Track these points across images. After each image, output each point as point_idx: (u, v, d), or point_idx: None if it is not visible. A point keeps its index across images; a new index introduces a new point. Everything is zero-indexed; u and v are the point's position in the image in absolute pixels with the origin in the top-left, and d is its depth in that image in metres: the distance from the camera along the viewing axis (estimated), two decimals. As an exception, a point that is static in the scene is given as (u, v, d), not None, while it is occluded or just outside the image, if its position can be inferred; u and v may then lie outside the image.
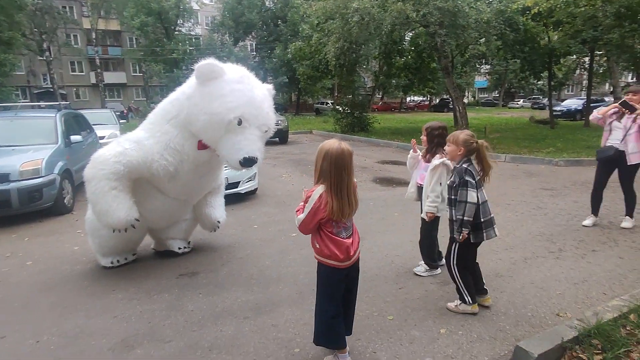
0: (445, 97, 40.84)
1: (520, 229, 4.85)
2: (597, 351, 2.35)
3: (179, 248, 4.21)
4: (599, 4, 10.44)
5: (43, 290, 3.49)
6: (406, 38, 19.24)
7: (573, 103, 24.98)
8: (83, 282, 3.65)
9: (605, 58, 16.30)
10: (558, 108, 23.48)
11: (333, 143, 2.24)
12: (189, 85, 3.44)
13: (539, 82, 34.29)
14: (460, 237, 2.81)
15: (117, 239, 3.69)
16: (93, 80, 35.12)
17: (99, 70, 31.04)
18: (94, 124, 9.03)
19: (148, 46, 31.37)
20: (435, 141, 3.44)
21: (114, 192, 3.35)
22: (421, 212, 3.59)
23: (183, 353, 2.58)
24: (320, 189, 2.21)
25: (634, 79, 19.74)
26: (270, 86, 3.64)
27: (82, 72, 37.17)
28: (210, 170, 3.84)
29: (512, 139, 13.19)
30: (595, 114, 4.84)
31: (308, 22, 18.82)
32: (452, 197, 2.89)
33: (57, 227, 5.30)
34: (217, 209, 4.18)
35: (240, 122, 3.17)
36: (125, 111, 27.00)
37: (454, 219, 2.87)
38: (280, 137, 14.03)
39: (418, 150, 3.69)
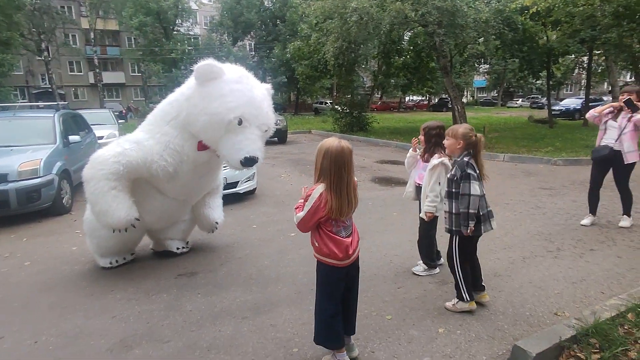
0: (444, 96, 40.89)
1: (519, 228, 4.86)
2: (595, 350, 2.35)
3: (178, 248, 4.21)
4: (597, 4, 10.45)
5: (42, 291, 3.49)
6: (405, 38, 19.24)
7: (572, 102, 25.04)
8: (82, 282, 3.65)
9: (604, 57, 16.32)
10: (557, 107, 23.53)
11: (333, 141, 2.25)
12: (188, 86, 3.44)
13: (537, 82, 34.35)
14: (468, 231, 2.81)
15: (115, 240, 3.69)
16: (91, 80, 35.06)
17: (97, 70, 30.99)
18: (92, 124, 9.02)
19: (147, 46, 31.34)
20: (433, 141, 3.45)
21: (114, 192, 3.35)
22: (420, 212, 3.60)
23: (182, 353, 2.58)
24: (320, 188, 2.21)
25: (633, 78, 19.75)
26: (269, 86, 3.65)
27: (81, 72, 37.11)
28: (209, 171, 3.84)
29: (511, 138, 13.21)
30: (592, 112, 4.86)
31: (307, 21, 18.82)
32: (453, 190, 2.88)
33: (55, 228, 5.30)
34: (215, 210, 4.19)
35: (240, 122, 3.18)
36: (124, 111, 26.98)
37: (454, 211, 2.87)
38: (279, 137, 14.03)
39: (417, 149, 3.69)
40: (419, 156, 3.66)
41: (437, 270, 3.66)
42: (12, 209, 5.23)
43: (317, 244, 2.31)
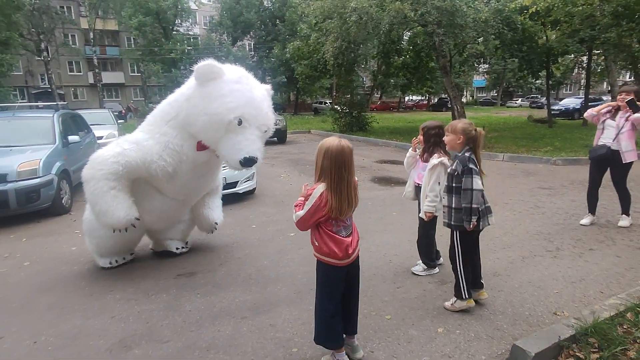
0: (443, 96, 40.92)
1: (518, 227, 4.86)
2: (594, 350, 2.35)
3: (177, 248, 4.21)
4: (597, 3, 10.46)
5: (41, 291, 3.48)
6: (404, 37, 19.23)
7: (571, 102, 25.07)
8: (81, 282, 3.65)
9: (603, 57, 16.34)
10: (556, 107, 23.54)
11: (333, 140, 2.24)
12: (188, 86, 3.45)
13: (537, 81, 34.38)
14: (471, 226, 2.81)
15: (115, 240, 3.69)
16: (91, 80, 35.04)
17: (96, 70, 30.97)
18: (91, 124, 9.02)
19: (146, 46, 31.34)
20: (432, 140, 3.45)
21: (113, 192, 3.35)
22: (419, 212, 3.60)
23: (181, 353, 2.58)
24: (321, 188, 2.20)
25: (632, 77, 19.77)
26: (268, 87, 3.65)
27: (80, 72, 37.10)
28: (208, 171, 3.84)
29: (510, 138, 13.21)
30: (590, 111, 4.88)
31: (306, 21, 18.81)
32: (453, 184, 2.88)
33: (55, 228, 5.29)
34: (215, 211, 4.19)
35: (240, 122, 3.18)
36: (123, 111, 26.97)
37: (454, 206, 2.86)
38: (278, 137, 14.03)
39: (417, 149, 3.69)
40: (418, 156, 3.66)
41: (437, 270, 3.67)
42: (12, 209, 5.23)
43: (317, 243, 2.30)
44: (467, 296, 2.95)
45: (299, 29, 21.34)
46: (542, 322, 2.82)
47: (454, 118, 13.72)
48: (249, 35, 35.01)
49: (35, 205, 5.43)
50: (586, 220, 4.90)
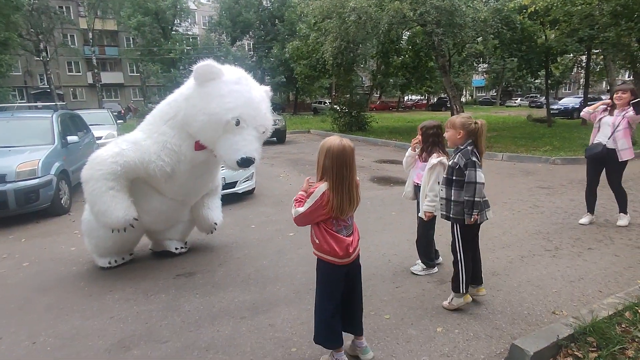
0: (442, 96, 40.92)
1: (517, 227, 4.86)
2: (593, 349, 2.36)
3: (176, 248, 4.21)
4: (596, 3, 10.46)
5: (40, 291, 3.48)
6: (403, 37, 19.22)
7: (570, 101, 25.08)
8: (80, 283, 3.65)
9: (602, 56, 16.33)
10: (555, 106, 23.55)
11: (334, 140, 2.24)
12: (187, 86, 3.46)
13: (536, 81, 34.44)
14: (472, 219, 2.81)
15: (113, 240, 3.69)
16: (90, 81, 35.04)
17: (96, 71, 30.97)
18: (91, 125, 9.01)
19: (145, 46, 31.33)
20: (431, 140, 3.45)
21: (112, 192, 3.36)
22: (418, 212, 3.60)
23: (180, 353, 2.58)
24: (323, 187, 2.20)
25: (631, 77, 19.79)
26: (267, 88, 3.65)
27: (79, 72, 37.07)
28: (207, 171, 3.84)
29: (510, 137, 13.22)
30: (587, 109, 4.90)
31: (305, 21, 18.81)
32: (454, 177, 2.87)
33: (54, 228, 5.29)
34: (214, 211, 4.19)
35: (238, 123, 3.18)
36: (122, 111, 26.93)
37: (454, 199, 2.86)
38: (277, 137, 14.03)
39: (416, 149, 3.69)
40: (417, 156, 3.66)
41: (436, 269, 3.67)
42: (11, 210, 5.22)
43: (317, 241, 2.30)
44: (464, 291, 2.94)
45: (298, 28, 21.35)
46: (540, 322, 2.83)
47: (453, 117, 13.71)
48: (248, 35, 35.01)
49: (34, 206, 5.43)
50: (585, 219, 4.91)
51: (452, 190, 2.89)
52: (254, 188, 6.72)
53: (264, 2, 33.45)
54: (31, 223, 5.47)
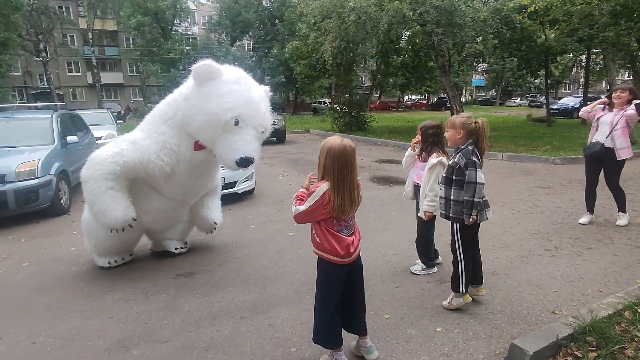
0: (442, 95, 40.93)
1: (517, 227, 4.86)
2: (592, 348, 2.36)
3: (176, 248, 4.21)
4: (595, 2, 10.46)
5: (39, 292, 3.48)
6: (403, 37, 19.22)
7: (570, 101, 25.10)
8: (79, 283, 3.65)
9: (602, 56, 16.35)
10: (555, 106, 23.56)
11: (335, 140, 2.24)
12: (187, 86, 3.45)
13: (536, 81, 34.43)
14: (471, 220, 2.81)
15: (113, 239, 3.69)
16: (90, 81, 35.03)
17: (95, 71, 30.97)
18: (90, 125, 9.01)
19: (145, 46, 31.32)
20: (430, 140, 3.45)
21: (111, 192, 3.36)
22: (418, 211, 3.60)
23: (180, 353, 2.58)
24: (324, 186, 2.20)
25: (630, 76, 19.79)
26: (267, 88, 3.65)
27: (79, 72, 37.05)
28: (206, 171, 3.84)
29: (509, 137, 13.22)
30: (585, 109, 4.91)
31: (305, 21, 18.80)
32: (454, 177, 2.87)
33: (53, 228, 5.29)
34: (214, 211, 4.19)
35: (237, 123, 3.18)
36: (122, 111, 26.92)
37: (453, 198, 2.86)
38: (277, 137, 14.03)
39: (416, 149, 3.69)
40: (416, 155, 3.66)
41: (435, 269, 3.67)
42: (10, 210, 5.22)
43: (318, 240, 2.29)
44: (464, 290, 2.94)
45: (297, 28, 21.34)
46: (540, 321, 2.83)
47: (453, 117, 13.71)
48: (247, 35, 35.00)
49: (33, 206, 5.42)
50: (584, 219, 4.91)
51: (452, 190, 2.88)
52: (254, 188, 6.72)
53: (264, 2, 33.45)
54: (31, 223, 5.47)
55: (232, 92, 3.20)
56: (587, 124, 4.94)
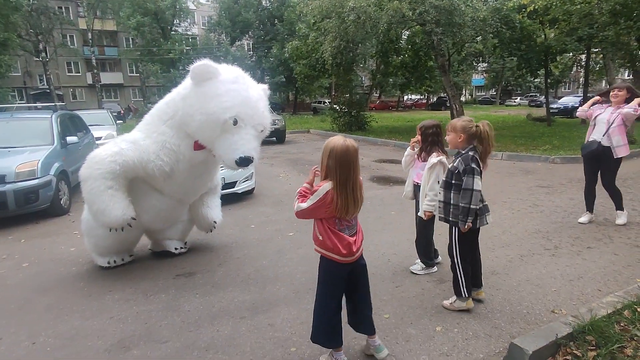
0: (442, 95, 40.92)
1: (517, 226, 4.86)
2: (592, 347, 2.36)
3: (176, 248, 4.21)
4: (595, 2, 10.45)
5: (39, 292, 3.48)
6: (403, 36, 19.21)
7: (570, 100, 25.09)
8: (79, 283, 3.65)
9: (601, 55, 16.33)
10: (555, 105, 23.56)
11: (338, 140, 2.24)
12: (185, 86, 3.45)
13: (535, 80, 34.40)
14: (466, 227, 2.81)
15: (113, 239, 3.69)
16: (89, 81, 35.02)
17: (95, 71, 30.96)
18: (90, 125, 9.01)
19: (145, 46, 31.32)
20: (430, 140, 3.45)
21: (110, 192, 3.36)
22: (417, 211, 3.60)
23: (180, 353, 2.59)
24: (327, 186, 2.20)
25: (630, 76, 19.79)
26: (265, 86, 3.64)
27: (79, 72, 37.05)
28: (205, 171, 3.84)
29: (509, 137, 13.22)
30: (582, 108, 4.91)
31: (304, 21, 18.80)
32: (453, 181, 2.86)
33: (53, 229, 5.29)
34: (214, 210, 4.19)
35: (235, 122, 3.18)
36: (122, 111, 26.91)
37: (453, 202, 2.86)
38: (277, 137, 14.04)
39: (415, 148, 3.69)
40: (416, 155, 3.66)
41: (435, 269, 3.67)
42: (10, 210, 5.23)
43: (320, 238, 2.29)
44: (466, 295, 2.94)
45: (297, 28, 21.34)
46: (540, 320, 2.83)
47: (452, 117, 13.73)
48: (247, 35, 34.99)
49: (33, 206, 5.43)
50: (584, 218, 4.91)
51: (452, 194, 2.88)
52: (254, 188, 6.72)
53: (263, 2, 33.44)
54: (31, 224, 5.47)
55: (230, 92, 3.20)
56: (587, 123, 4.93)
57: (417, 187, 3.62)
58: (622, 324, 2.55)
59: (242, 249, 4.36)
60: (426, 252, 3.66)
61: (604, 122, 4.57)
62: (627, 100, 4.56)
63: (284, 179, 8.15)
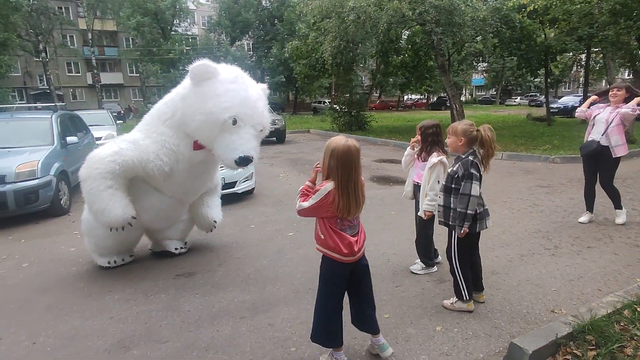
0: (442, 95, 40.91)
1: (517, 226, 4.86)
2: (591, 347, 2.36)
3: (176, 248, 4.21)
4: (595, 1, 10.45)
5: (39, 292, 3.49)
6: (403, 36, 19.21)
7: (570, 100, 25.06)
8: (79, 283, 3.65)
9: (601, 55, 16.33)
10: (555, 105, 23.54)
11: (340, 140, 2.24)
12: (184, 86, 3.45)
13: (535, 80, 34.42)
14: (462, 232, 2.81)
15: (113, 239, 3.69)
16: (90, 81, 35.02)
17: (95, 71, 30.95)
18: (90, 125, 9.02)
19: (144, 46, 31.32)
20: (430, 139, 3.45)
21: (110, 191, 3.37)
22: (417, 211, 3.60)
23: (180, 353, 2.59)
24: (329, 186, 2.20)
25: (630, 75, 19.79)
26: (264, 86, 3.65)
27: (79, 73, 37.06)
28: (205, 170, 3.85)
29: (509, 136, 13.22)
30: (580, 109, 4.92)
31: (304, 21, 18.81)
32: (452, 186, 2.86)
33: (53, 229, 5.29)
34: (214, 209, 4.20)
35: (235, 122, 3.18)
36: (122, 112, 26.91)
37: (453, 206, 2.86)
38: (277, 137, 14.04)
39: (415, 148, 3.69)
40: (416, 155, 3.66)
41: (435, 268, 3.67)
42: (10, 211, 5.23)
43: (322, 237, 2.29)
44: (467, 297, 2.94)
45: (297, 28, 21.35)
46: (539, 320, 2.83)
47: (452, 117, 13.75)
48: (247, 35, 34.99)
49: (33, 207, 5.43)
50: (584, 218, 4.91)
51: (451, 198, 2.88)
52: (254, 188, 6.71)
53: (263, 2, 33.44)
54: (31, 224, 5.47)
55: (229, 92, 3.20)
56: (587, 123, 4.92)
57: (417, 187, 3.62)
58: (622, 324, 2.55)
59: (242, 249, 4.36)
60: (426, 252, 3.66)
61: (603, 121, 4.57)
62: (627, 100, 4.56)
63: (284, 179, 8.15)
